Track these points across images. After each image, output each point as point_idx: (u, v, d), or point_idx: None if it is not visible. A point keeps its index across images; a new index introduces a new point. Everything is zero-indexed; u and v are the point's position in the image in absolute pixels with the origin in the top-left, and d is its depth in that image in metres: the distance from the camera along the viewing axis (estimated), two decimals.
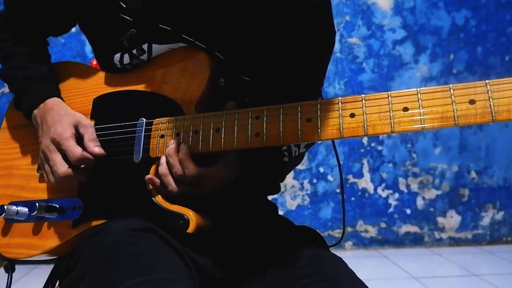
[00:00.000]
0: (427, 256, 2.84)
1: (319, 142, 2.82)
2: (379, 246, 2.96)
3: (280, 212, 1.01)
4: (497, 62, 2.95)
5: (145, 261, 0.65)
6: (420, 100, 0.62)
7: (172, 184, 0.76)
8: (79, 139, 0.83)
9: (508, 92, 0.58)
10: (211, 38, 0.84)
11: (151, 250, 0.69)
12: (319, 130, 0.67)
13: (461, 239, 2.99)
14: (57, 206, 0.83)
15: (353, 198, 2.95)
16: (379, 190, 2.96)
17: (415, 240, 2.97)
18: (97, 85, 0.90)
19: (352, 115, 0.66)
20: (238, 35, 0.85)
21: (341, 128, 0.66)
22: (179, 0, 0.82)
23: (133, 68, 0.88)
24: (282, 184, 1.02)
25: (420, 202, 2.97)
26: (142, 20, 0.83)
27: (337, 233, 2.92)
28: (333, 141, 0.93)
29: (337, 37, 0.96)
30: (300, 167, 2.87)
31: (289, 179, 2.91)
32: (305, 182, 2.93)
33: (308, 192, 2.94)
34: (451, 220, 2.98)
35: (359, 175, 2.95)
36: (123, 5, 0.83)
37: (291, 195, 2.93)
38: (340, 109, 0.66)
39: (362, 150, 2.95)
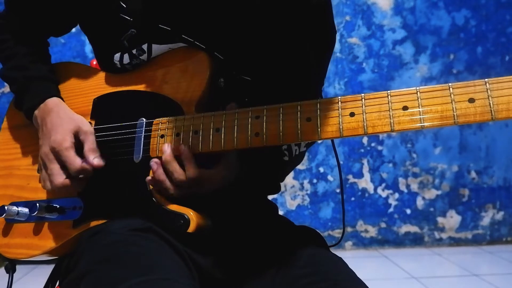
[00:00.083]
0: (427, 256, 2.84)
1: (319, 141, 2.82)
2: (379, 246, 2.96)
3: (280, 212, 1.01)
4: (497, 62, 2.95)
5: (145, 261, 0.65)
6: (419, 99, 0.62)
7: (171, 189, 0.76)
8: (79, 146, 0.82)
9: (507, 91, 0.58)
10: (210, 38, 0.84)
11: (151, 250, 0.69)
12: (319, 129, 0.67)
13: (461, 239, 2.99)
14: (58, 206, 0.83)
15: (353, 198, 2.95)
16: (379, 190, 2.96)
17: (415, 240, 2.97)
18: (97, 85, 0.90)
19: (352, 114, 0.66)
20: (238, 35, 0.85)
21: (341, 127, 0.66)
22: (179, 1, 0.82)
23: (133, 68, 0.88)
24: (282, 184, 1.02)
25: (420, 202, 2.97)
26: (142, 20, 0.83)
27: (337, 233, 2.92)
28: (332, 141, 0.93)
29: (337, 37, 0.96)
30: (300, 167, 2.87)
31: (289, 179, 2.91)
32: (305, 182, 2.93)
33: (308, 192, 2.94)
34: (451, 220, 2.98)
35: (359, 175, 2.95)
36: (123, 5, 0.83)
37: (291, 195, 2.94)
38: (340, 109, 0.67)
39: (362, 150, 2.95)
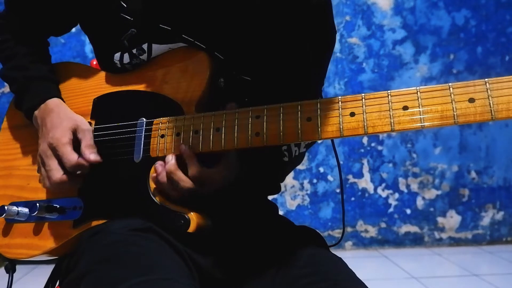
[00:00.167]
0: (427, 256, 2.84)
1: (319, 141, 2.82)
2: (379, 246, 2.96)
3: (280, 212, 1.01)
4: (497, 62, 2.95)
5: (145, 261, 0.65)
6: (419, 99, 0.62)
7: (174, 193, 0.76)
8: (77, 144, 0.82)
9: (507, 91, 0.58)
10: (211, 38, 0.84)
11: (152, 250, 0.69)
12: (319, 129, 0.67)
13: (461, 239, 2.99)
14: (58, 206, 0.83)
15: (353, 198, 2.95)
16: (379, 190, 2.96)
17: (415, 240, 2.97)
18: (97, 85, 0.90)
19: (352, 114, 0.66)
20: (238, 35, 0.85)
21: (341, 127, 0.66)
22: (180, 0, 0.82)
23: (133, 68, 0.88)
24: (282, 184, 1.02)
25: (420, 202, 2.97)
26: (142, 20, 0.83)
27: (337, 233, 2.92)
28: (332, 141, 0.94)
29: (337, 37, 0.96)
30: (300, 167, 2.87)
31: (289, 179, 2.92)
32: (305, 182, 2.94)
33: (308, 192, 2.94)
34: (451, 220, 2.98)
35: (359, 175, 2.95)
36: (124, 4, 0.83)
37: (291, 195, 2.94)
38: (340, 108, 0.67)
39: (362, 150, 2.95)
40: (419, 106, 0.62)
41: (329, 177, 2.94)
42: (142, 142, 0.80)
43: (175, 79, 0.83)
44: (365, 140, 2.95)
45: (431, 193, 2.97)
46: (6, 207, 0.83)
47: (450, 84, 0.61)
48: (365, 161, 2.95)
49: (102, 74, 0.91)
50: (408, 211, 2.96)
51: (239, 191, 0.84)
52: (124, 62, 0.87)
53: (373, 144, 2.95)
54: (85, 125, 0.84)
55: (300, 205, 2.94)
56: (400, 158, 2.96)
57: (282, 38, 0.86)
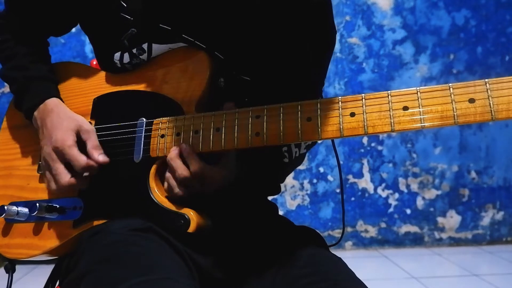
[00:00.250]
0: (427, 256, 2.84)
1: (319, 142, 2.82)
2: (379, 246, 2.96)
3: (280, 212, 1.01)
4: (497, 62, 2.95)
5: (145, 261, 0.65)
6: (420, 99, 0.62)
7: (176, 188, 0.76)
8: (81, 145, 0.82)
9: (507, 91, 0.58)
10: (211, 38, 0.84)
11: (152, 250, 0.69)
12: (319, 129, 0.67)
13: (461, 239, 2.99)
14: (58, 206, 0.83)
15: (353, 198, 2.95)
16: (379, 190, 2.96)
17: (415, 240, 2.97)
18: (97, 85, 0.90)
19: (352, 114, 0.66)
20: (238, 34, 0.85)
21: (341, 127, 0.66)
22: (180, 0, 0.82)
23: (133, 67, 0.88)
24: (282, 184, 1.03)
25: (420, 202, 2.97)
26: (142, 20, 0.83)
27: (337, 233, 2.92)
28: (332, 141, 0.94)
29: (337, 37, 0.96)
30: (300, 167, 2.87)
31: (289, 179, 2.92)
32: (305, 182, 2.94)
33: (308, 192, 2.94)
34: (451, 220, 2.98)
35: (359, 175, 2.95)
36: (124, 4, 0.83)
37: (291, 195, 2.94)
38: (340, 108, 0.66)
39: (362, 150, 2.95)
40: (419, 106, 0.62)
41: (329, 177, 2.94)
42: (142, 142, 0.80)
43: (175, 79, 0.83)
44: (365, 140, 2.95)
45: (431, 193, 2.97)
46: (6, 207, 0.83)
47: (450, 84, 0.61)
48: (365, 161, 2.95)
49: (102, 74, 0.91)
50: (408, 211, 2.96)
51: (239, 192, 0.84)
52: (124, 62, 0.87)
53: (373, 144, 2.95)
54: (88, 125, 0.84)
55: (300, 205, 2.94)
56: (400, 158, 2.96)
57: (282, 37, 0.86)
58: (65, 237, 0.82)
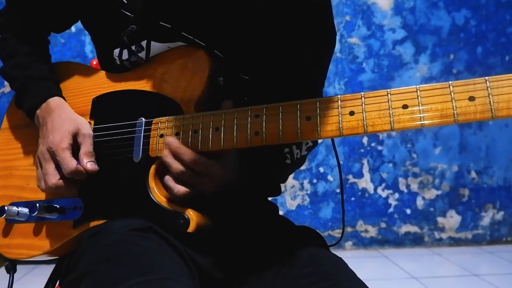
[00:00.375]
0: (427, 256, 2.84)
1: (320, 142, 2.82)
2: (379, 246, 2.96)
3: (280, 212, 1.01)
4: (497, 62, 2.95)
5: (145, 261, 0.65)
6: (419, 97, 0.62)
7: (175, 187, 0.75)
8: (76, 148, 0.82)
9: (507, 89, 0.58)
10: (210, 36, 0.84)
11: (152, 250, 0.69)
12: (319, 128, 0.67)
13: (461, 239, 2.99)
14: (58, 206, 0.83)
15: (353, 198, 2.95)
16: (379, 190, 2.96)
17: (415, 240, 2.97)
18: (96, 85, 0.90)
19: (352, 113, 0.65)
20: (238, 33, 0.85)
21: (340, 126, 0.66)
22: None
23: (131, 65, 0.87)
24: (282, 184, 1.02)
25: (420, 202, 2.97)
26: (142, 17, 0.83)
27: (337, 233, 2.92)
28: (332, 141, 0.93)
29: (337, 37, 0.96)
30: None
31: (289, 179, 2.90)
32: (305, 182, 2.94)
33: (308, 192, 2.94)
34: (451, 220, 2.98)
35: (359, 175, 2.95)
36: (124, 1, 0.83)
37: (291, 195, 2.94)
38: (340, 107, 0.66)
39: (362, 150, 2.95)
40: (419, 105, 0.62)
41: (329, 177, 2.94)
42: (141, 142, 0.80)
43: (174, 78, 0.82)
44: (365, 140, 2.95)
45: (431, 193, 2.97)
46: (6, 208, 0.83)
47: (450, 82, 0.61)
48: (365, 161, 2.95)
49: (102, 73, 0.90)
50: (408, 211, 2.96)
51: (240, 192, 0.84)
52: (122, 59, 0.87)
53: (373, 144, 2.95)
54: (86, 129, 0.83)
55: (300, 205, 2.94)
56: (400, 158, 2.96)
57: (281, 37, 0.86)
58: (65, 237, 0.82)
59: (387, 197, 2.96)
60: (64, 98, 0.89)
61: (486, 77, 0.59)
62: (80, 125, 0.83)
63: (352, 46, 2.92)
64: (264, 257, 0.80)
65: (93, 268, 0.65)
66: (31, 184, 0.89)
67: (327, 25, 0.91)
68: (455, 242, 2.98)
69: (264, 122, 0.71)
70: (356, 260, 2.70)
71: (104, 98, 0.88)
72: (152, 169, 0.78)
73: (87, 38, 2.66)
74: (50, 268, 0.90)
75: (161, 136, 0.79)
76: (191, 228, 0.72)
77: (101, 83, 0.89)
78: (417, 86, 0.63)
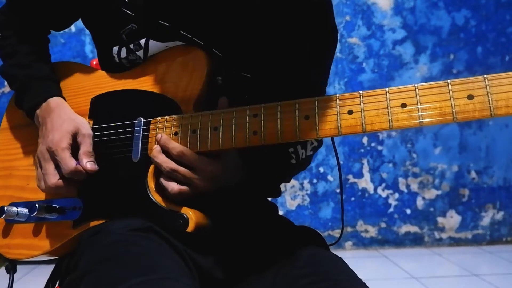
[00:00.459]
0: (427, 256, 2.84)
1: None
2: (379, 246, 2.96)
3: (280, 212, 1.01)
4: (497, 62, 2.95)
5: (145, 261, 0.65)
6: (418, 96, 0.62)
7: (170, 185, 0.75)
8: (76, 148, 0.82)
9: (506, 87, 0.58)
10: (209, 35, 0.84)
11: (151, 250, 0.69)
12: (317, 127, 0.67)
13: (461, 239, 2.99)
14: (57, 206, 0.83)
15: (353, 198, 2.95)
16: (379, 190, 2.96)
17: (415, 240, 2.97)
18: (95, 84, 0.90)
19: (350, 112, 0.65)
20: (237, 32, 0.85)
21: (339, 125, 0.66)
22: None
23: (130, 63, 0.87)
24: (282, 184, 1.02)
25: (420, 202, 2.97)
26: (143, 16, 0.83)
27: (337, 233, 2.92)
28: (333, 141, 0.93)
29: (338, 37, 0.96)
30: None
31: None
32: (305, 182, 2.93)
33: (308, 192, 2.94)
34: (451, 220, 2.98)
35: (359, 175, 2.95)
36: None
37: (291, 195, 2.94)
38: (338, 106, 0.66)
39: (362, 150, 2.95)
40: (417, 103, 0.62)
41: (329, 177, 2.94)
42: (140, 142, 0.80)
43: (172, 77, 0.82)
44: (365, 140, 2.95)
45: (431, 193, 2.97)
46: (5, 208, 0.83)
47: (448, 81, 0.61)
48: (365, 161, 2.95)
49: (101, 73, 0.91)
50: (408, 211, 2.96)
51: (240, 192, 0.84)
52: (121, 57, 0.87)
53: (373, 144, 2.95)
54: (86, 129, 0.83)
55: (300, 205, 2.94)
56: (400, 158, 2.96)
57: (281, 36, 0.86)
58: (65, 237, 0.82)
59: (387, 197, 2.96)
60: (64, 98, 0.89)
61: (485, 76, 0.59)
62: (79, 125, 0.83)
63: (352, 46, 2.92)
64: (264, 257, 0.80)
65: (93, 268, 0.65)
66: (30, 184, 0.89)
67: (327, 25, 0.91)
68: (455, 242, 2.98)
69: (262, 122, 0.71)
70: (356, 260, 2.70)
71: (103, 98, 0.88)
72: (151, 169, 0.78)
73: (87, 38, 2.66)
74: (50, 268, 0.90)
75: None
76: (190, 228, 0.72)
77: (100, 83, 0.89)
78: (416, 85, 0.62)
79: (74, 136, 0.82)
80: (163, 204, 0.76)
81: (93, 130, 0.85)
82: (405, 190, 2.96)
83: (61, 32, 1.04)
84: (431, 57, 2.93)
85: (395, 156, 2.95)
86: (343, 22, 2.91)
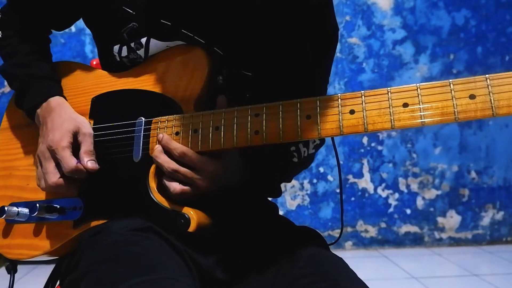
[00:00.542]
0: (427, 256, 2.84)
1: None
2: (379, 246, 2.96)
3: (280, 212, 1.01)
4: (497, 62, 2.95)
5: (145, 261, 0.65)
6: (420, 96, 0.62)
7: (171, 185, 0.75)
8: (77, 147, 0.82)
9: (508, 87, 0.58)
10: (210, 33, 0.84)
11: (152, 250, 0.69)
12: (319, 127, 0.67)
13: (461, 239, 2.99)
14: (58, 206, 0.83)
15: (353, 198, 2.95)
16: (379, 190, 2.96)
17: (415, 240, 2.97)
18: (96, 84, 0.90)
19: (352, 112, 0.65)
20: (238, 31, 0.85)
21: (340, 124, 0.66)
22: None
23: (130, 62, 0.87)
24: (282, 184, 1.02)
25: (420, 202, 2.97)
26: (144, 15, 0.83)
27: (337, 233, 2.92)
28: (333, 140, 0.93)
29: (338, 35, 0.96)
30: None
31: None
32: (305, 182, 2.93)
33: (308, 192, 2.94)
34: (451, 220, 2.98)
35: (359, 175, 2.95)
36: None
37: (291, 195, 2.94)
38: (340, 106, 0.66)
39: (362, 150, 2.95)
40: (419, 103, 0.62)
41: (329, 177, 2.94)
42: (141, 142, 0.80)
43: (173, 77, 0.82)
44: (365, 140, 2.95)
45: (431, 193, 2.97)
46: (6, 208, 0.83)
47: (450, 80, 0.61)
48: (365, 161, 2.95)
49: (102, 73, 0.90)
50: (408, 211, 2.96)
51: (241, 192, 0.84)
52: (122, 55, 0.87)
53: (373, 144, 2.95)
54: (86, 128, 0.83)
55: (300, 205, 2.94)
56: (400, 158, 2.96)
57: (281, 36, 0.86)
58: (65, 237, 0.82)
59: (387, 197, 2.96)
60: (65, 98, 0.89)
61: (487, 75, 0.59)
62: (80, 124, 0.83)
63: (352, 46, 2.92)
64: (264, 257, 0.80)
65: (93, 268, 0.65)
66: (31, 184, 0.89)
67: (328, 24, 0.91)
68: (455, 242, 2.98)
69: (264, 121, 0.71)
70: (356, 260, 2.70)
71: (104, 97, 0.88)
72: (152, 168, 0.78)
73: (87, 38, 2.66)
74: (50, 268, 0.90)
75: None
76: (191, 228, 0.72)
77: (101, 83, 0.89)
78: (418, 85, 0.63)
79: (75, 135, 0.82)
80: (164, 204, 0.76)
81: (94, 129, 0.85)
82: (405, 190, 2.96)
83: (61, 32, 1.03)
84: (431, 57, 2.93)
85: (395, 156, 2.96)
86: (343, 22, 2.91)
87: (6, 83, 0.94)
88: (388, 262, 2.69)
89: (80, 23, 0.97)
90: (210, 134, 0.74)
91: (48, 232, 0.85)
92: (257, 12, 0.84)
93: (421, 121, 0.61)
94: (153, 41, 0.84)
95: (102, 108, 0.87)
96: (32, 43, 0.93)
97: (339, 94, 0.67)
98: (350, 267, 0.77)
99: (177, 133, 0.77)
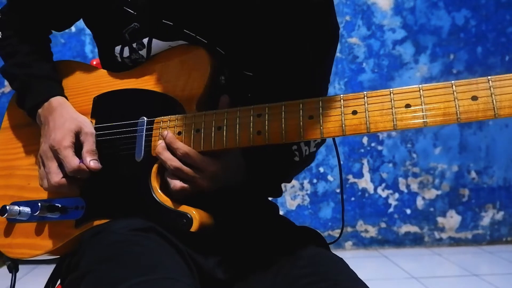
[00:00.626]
0: (427, 256, 2.84)
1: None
2: (379, 246, 2.96)
3: (280, 212, 1.01)
4: (497, 62, 2.95)
5: (146, 261, 0.65)
6: (422, 97, 0.62)
7: (173, 183, 0.75)
8: (79, 147, 0.82)
9: (510, 88, 0.58)
10: (212, 33, 0.84)
11: (152, 250, 0.69)
12: (321, 127, 0.67)
13: (461, 239, 2.99)
14: (60, 205, 0.83)
15: (353, 198, 2.95)
16: (379, 190, 2.96)
17: (415, 240, 2.97)
18: (97, 83, 0.89)
19: (354, 112, 0.65)
20: (239, 30, 0.85)
21: (343, 125, 0.66)
22: None
23: (132, 63, 0.87)
24: (282, 184, 1.02)
25: (420, 202, 2.97)
26: (145, 15, 0.83)
27: (337, 233, 2.92)
28: (334, 140, 0.94)
29: (339, 34, 0.96)
30: None
31: None
32: (305, 182, 2.94)
33: (308, 192, 2.94)
34: (451, 220, 2.98)
35: (359, 175, 2.95)
36: None
37: (291, 195, 2.94)
38: (342, 107, 0.66)
39: (362, 150, 2.95)
40: (421, 104, 0.62)
41: (329, 177, 2.94)
42: (143, 141, 0.80)
43: (175, 77, 0.82)
44: (365, 140, 2.96)
45: (431, 193, 2.97)
46: (7, 207, 0.83)
47: (452, 82, 0.61)
48: (365, 161, 2.95)
49: (103, 72, 0.90)
50: (408, 211, 2.96)
51: (242, 192, 0.84)
52: (123, 56, 0.87)
53: (373, 144, 2.95)
54: (88, 128, 0.83)
55: (300, 205, 2.94)
56: (400, 158, 2.96)
57: (282, 35, 0.86)
58: (67, 236, 0.82)
59: (387, 197, 2.96)
60: (66, 97, 0.89)
61: (489, 77, 0.60)
62: (82, 123, 0.83)
63: (352, 46, 2.92)
64: (264, 257, 0.80)
65: (93, 268, 0.65)
66: (32, 183, 0.89)
67: (328, 24, 0.91)
68: (455, 242, 2.98)
69: (266, 121, 0.71)
70: (356, 260, 2.70)
71: (105, 97, 0.88)
72: (154, 168, 0.78)
73: (87, 38, 2.66)
74: (50, 268, 0.90)
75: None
76: (194, 227, 0.72)
77: (102, 82, 0.89)
78: (420, 86, 0.63)
79: (77, 135, 0.82)
80: (166, 203, 0.76)
81: (96, 129, 0.85)
82: (405, 190, 2.96)
83: (61, 32, 1.04)
84: (431, 57, 2.93)
85: (395, 156, 2.96)
86: (343, 22, 2.91)
87: (6, 83, 0.94)
88: (388, 262, 2.69)
89: (80, 23, 0.97)
90: (212, 134, 0.74)
91: (49, 231, 0.85)
92: (258, 12, 0.84)
93: (423, 122, 0.61)
94: (155, 41, 0.84)
95: (104, 108, 0.87)
96: (32, 43, 0.93)
97: (341, 95, 0.67)
98: (350, 267, 0.77)
99: (179, 133, 0.77)
